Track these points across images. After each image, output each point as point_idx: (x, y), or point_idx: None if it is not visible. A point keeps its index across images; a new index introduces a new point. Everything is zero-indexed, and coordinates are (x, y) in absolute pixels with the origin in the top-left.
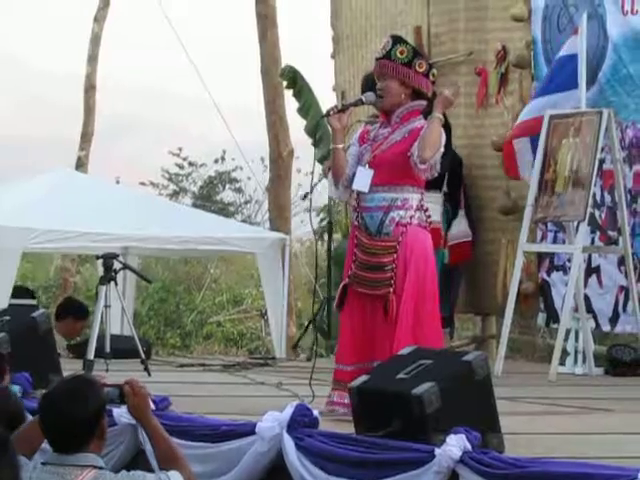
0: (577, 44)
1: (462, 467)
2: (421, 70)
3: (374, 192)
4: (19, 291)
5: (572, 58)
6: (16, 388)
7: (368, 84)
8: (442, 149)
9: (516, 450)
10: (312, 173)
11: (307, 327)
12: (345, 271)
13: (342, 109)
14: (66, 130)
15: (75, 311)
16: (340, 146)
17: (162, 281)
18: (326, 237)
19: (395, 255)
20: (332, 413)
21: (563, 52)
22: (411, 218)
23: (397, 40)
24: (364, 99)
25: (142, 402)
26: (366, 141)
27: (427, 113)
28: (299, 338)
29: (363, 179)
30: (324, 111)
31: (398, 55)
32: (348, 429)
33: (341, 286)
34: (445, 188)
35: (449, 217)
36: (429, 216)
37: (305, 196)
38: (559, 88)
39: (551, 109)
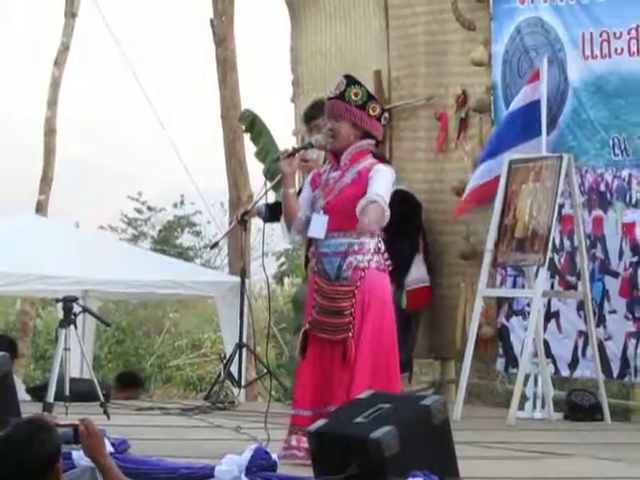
0: (529, 94)
1: None
2: (374, 114)
3: (330, 238)
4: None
5: (524, 109)
6: None
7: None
8: (387, 213)
9: None
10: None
11: (217, 379)
12: (305, 317)
13: (291, 153)
14: (26, 173)
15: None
16: (291, 190)
17: (118, 323)
18: (285, 281)
19: (354, 300)
20: (291, 458)
21: (513, 106)
22: (369, 262)
23: (351, 81)
24: (314, 142)
25: (96, 442)
26: (318, 185)
27: (375, 155)
28: (210, 388)
29: (319, 226)
30: None
31: (352, 97)
32: (307, 473)
33: (302, 332)
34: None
35: None
36: (387, 259)
37: (213, 246)
38: (511, 144)
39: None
